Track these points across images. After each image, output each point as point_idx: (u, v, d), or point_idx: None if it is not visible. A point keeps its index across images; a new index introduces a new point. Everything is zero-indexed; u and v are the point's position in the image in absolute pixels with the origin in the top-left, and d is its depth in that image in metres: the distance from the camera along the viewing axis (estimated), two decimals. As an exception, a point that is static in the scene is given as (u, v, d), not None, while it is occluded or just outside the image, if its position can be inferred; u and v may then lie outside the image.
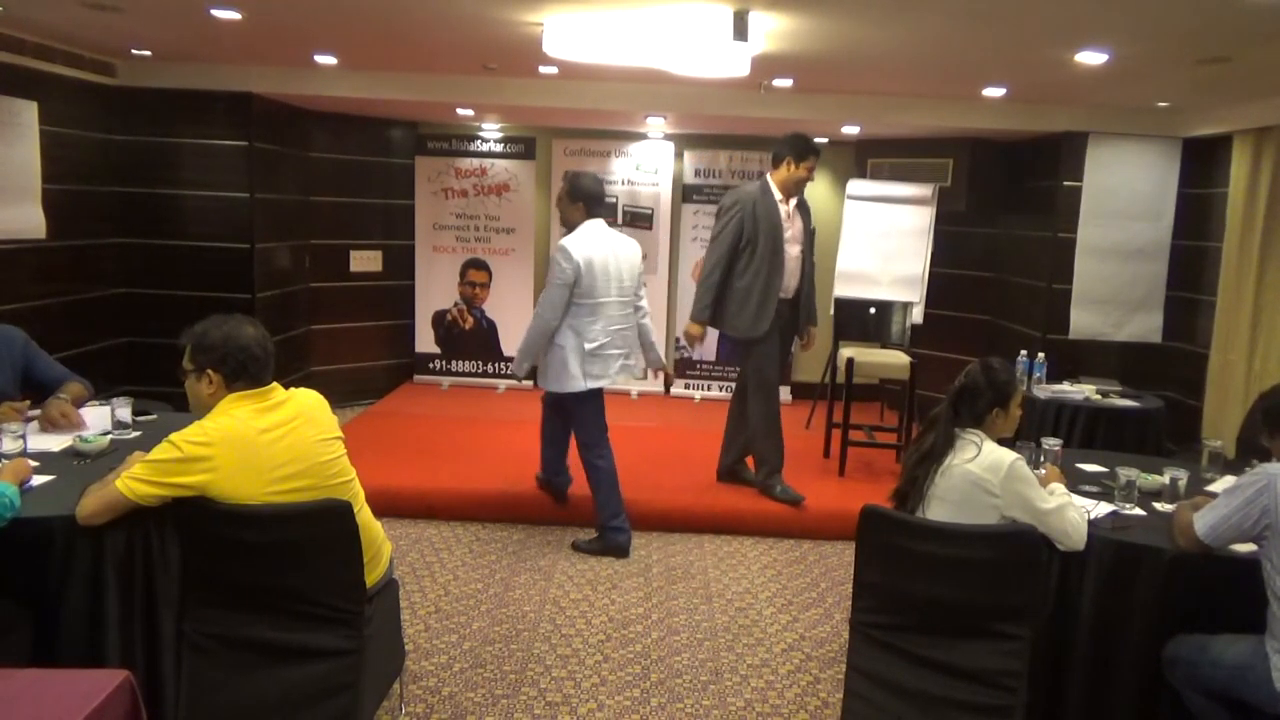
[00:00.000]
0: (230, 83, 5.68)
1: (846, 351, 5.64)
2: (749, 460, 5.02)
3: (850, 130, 6.50)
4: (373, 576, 2.48)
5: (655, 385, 7.43)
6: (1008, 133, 6.14)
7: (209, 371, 2.39)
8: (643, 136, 7.30)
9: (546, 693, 3.17)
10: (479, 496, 4.80)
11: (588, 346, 4.19)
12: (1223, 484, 3.04)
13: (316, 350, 6.94)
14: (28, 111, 4.84)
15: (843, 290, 6.38)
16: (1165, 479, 3.03)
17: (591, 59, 4.20)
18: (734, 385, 7.31)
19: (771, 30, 3.92)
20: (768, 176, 4.75)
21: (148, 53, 5.34)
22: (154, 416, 3.34)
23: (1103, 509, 2.87)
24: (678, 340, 7.43)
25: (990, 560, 2.45)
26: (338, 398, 6.13)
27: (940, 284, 6.69)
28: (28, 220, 4.90)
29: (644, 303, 4.48)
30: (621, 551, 4.36)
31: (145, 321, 5.84)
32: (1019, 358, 4.92)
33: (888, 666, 2.53)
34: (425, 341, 7.44)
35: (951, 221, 6.60)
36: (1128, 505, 2.90)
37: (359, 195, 7.04)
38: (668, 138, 7.33)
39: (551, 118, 6.87)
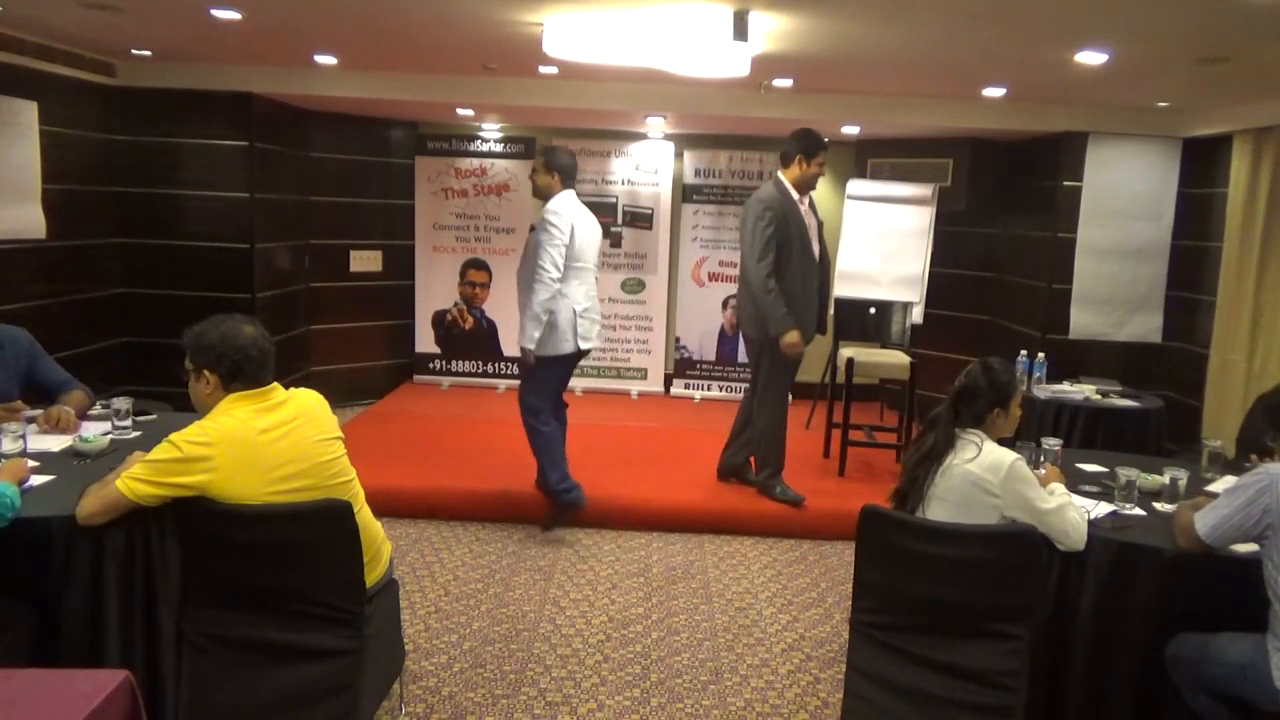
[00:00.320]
0: (230, 83, 5.68)
1: (846, 351, 5.64)
2: (753, 460, 5.01)
3: (850, 130, 6.50)
4: (373, 576, 2.48)
5: (655, 385, 7.44)
6: (1008, 133, 6.14)
7: (206, 372, 2.39)
8: (643, 136, 7.30)
9: (546, 693, 3.17)
10: (479, 496, 4.79)
11: (577, 308, 4.36)
12: (1223, 484, 3.04)
13: (316, 350, 6.94)
14: (28, 111, 4.84)
15: (843, 290, 6.37)
16: (1165, 479, 3.03)
17: (591, 59, 4.20)
18: (733, 384, 7.41)
19: (771, 30, 3.92)
20: (779, 176, 4.70)
21: (148, 53, 5.34)
22: (154, 416, 3.35)
23: (1103, 509, 2.86)
24: (678, 340, 7.43)
25: (990, 560, 2.45)
26: (338, 398, 6.13)
27: (940, 284, 6.69)
28: (28, 220, 4.90)
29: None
30: (579, 506, 4.51)
31: (145, 321, 5.83)
32: (1019, 358, 4.92)
33: (888, 666, 2.53)
34: (425, 341, 7.44)
35: (951, 221, 6.60)
36: (1128, 505, 2.90)
37: (359, 195, 7.04)
38: (668, 138, 7.33)
39: (551, 118, 6.87)
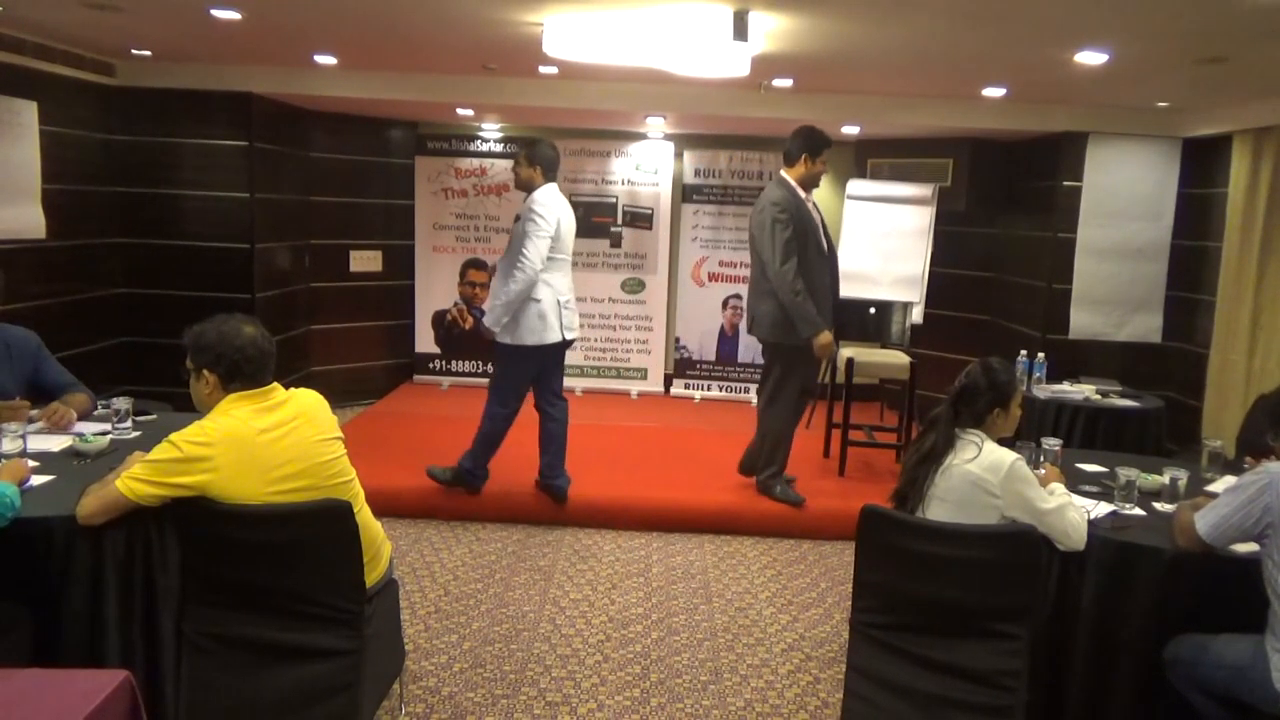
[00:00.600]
0: (230, 83, 5.68)
1: (846, 351, 5.64)
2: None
3: (850, 130, 6.50)
4: (373, 576, 2.48)
5: (655, 385, 7.44)
6: (1008, 133, 6.14)
7: (205, 372, 2.39)
8: (643, 136, 7.30)
9: (546, 693, 3.17)
10: (479, 496, 4.79)
11: (561, 299, 4.45)
12: (1223, 484, 3.04)
13: (316, 350, 6.94)
14: (28, 111, 4.84)
15: (843, 290, 6.32)
16: (1165, 479, 3.03)
17: (591, 59, 4.20)
18: (733, 384, 7.41)
19: (771, 30, 3.92)
20: (784, 175, 4.68)
21: (148, 53, 5.34)
22: (154, 416, 3.35)
23: (1103, 509, 2.87)
24: (678, 340, 7.43)
25: (990, 560, 2.45)
26: (338, 398, 6.12)
27: (940, 284, 6.69)
28: (28, 220, 4.90)
29: None
30: (473, 492, 4.74)
31: (145, 321, 5.84)
32: (1019, 358, 4.91)
33: (888, 666, 2.53)
34: (425, 341, 7.44)
35: (951, 221, 6.60)
36: (1128, 505, 2.90)
37: (359, 195, 7.04)
38: (668, 138, 7.33)
39: (551, 118, 6.86)
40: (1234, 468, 3.37)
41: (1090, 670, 2.68)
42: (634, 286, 7.37)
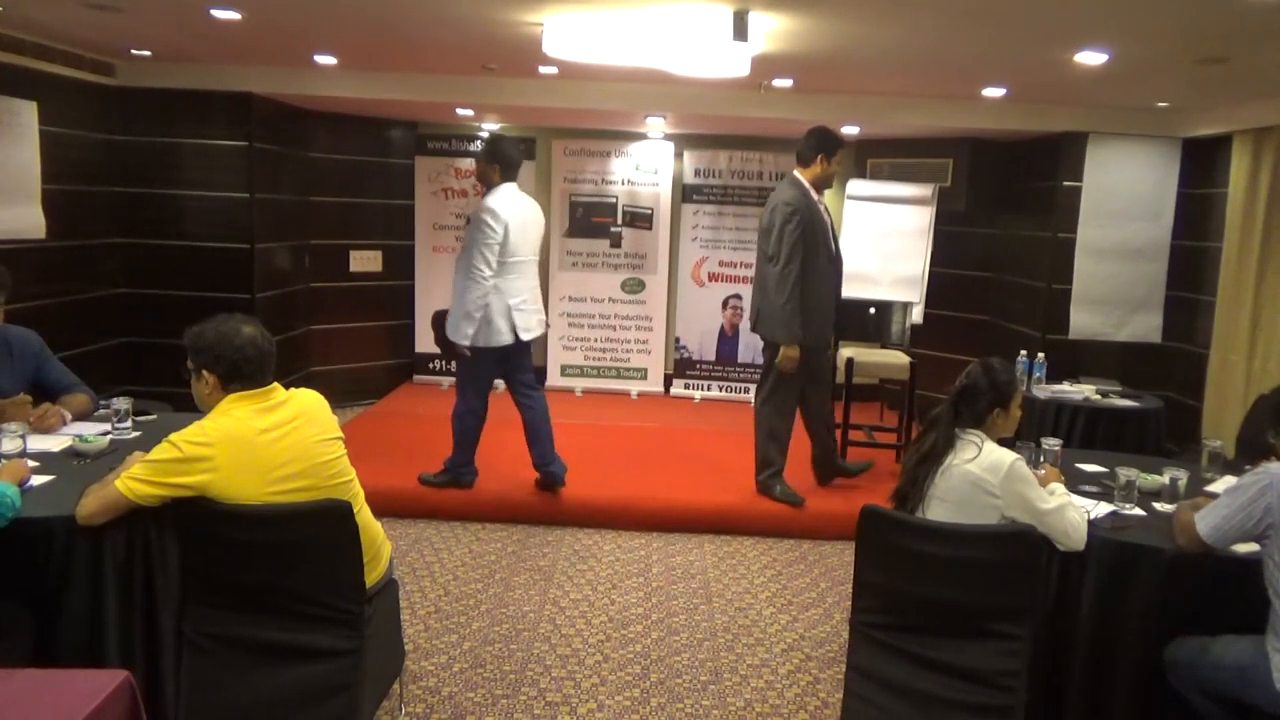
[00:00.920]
0: (230, 83, 5.68)
1: (846, 351, 5.64)
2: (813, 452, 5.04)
3: (850, 130, 6.49)
4: (373, 577, 2.48)
5: (655, 385, 7.44)
6: (1008, 133, 6.14)
7: (205, 372, 2.39)
8: (643, 136, 7.30)
9: (546, 693, 3.17)
10: (479, 496, 4.80)
11: (512, 302, 4.47)
12: (1223, 484, 3.04)
13: (316, 350, 6.94)
14: (27, 111, 4.84)
15: (843, 290, 6.37)
16: (1165, 479, 3.03)
17: (591, 59, 4.20)
18: (733, 384, 7.40)
19: (771, 30, 3.92)
20: (797, 176, 4.67)
21: (148, 53, 5.34)
22: (154, 416, 3.35)
23: (1103, 509, 2.87)
24: (678, 340, 7.43)
25: (990, 560, 2.45)
26: (338, 398, 6.12)
27: (940, 284, 6.69)
28: (27, 220, 4.90)
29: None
30: (468, 486, 4.79)
31: (145, 321, 5.83)
32: (1019, 358, 4.91)
33: (888, 666, 2.52)
34: (425, 341, 7.44)
35: (951, 221, 6.60)
36: (1128, 505, 2.90)
37: (359, 195, 7.04)
38: (668, 138, 7.33)
39: (551, 118, 6.87)
40: (1234, 468, 3.37)
41: (1090, 670, 2.68)
42: (634, 286, 7.36)
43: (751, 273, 7.15)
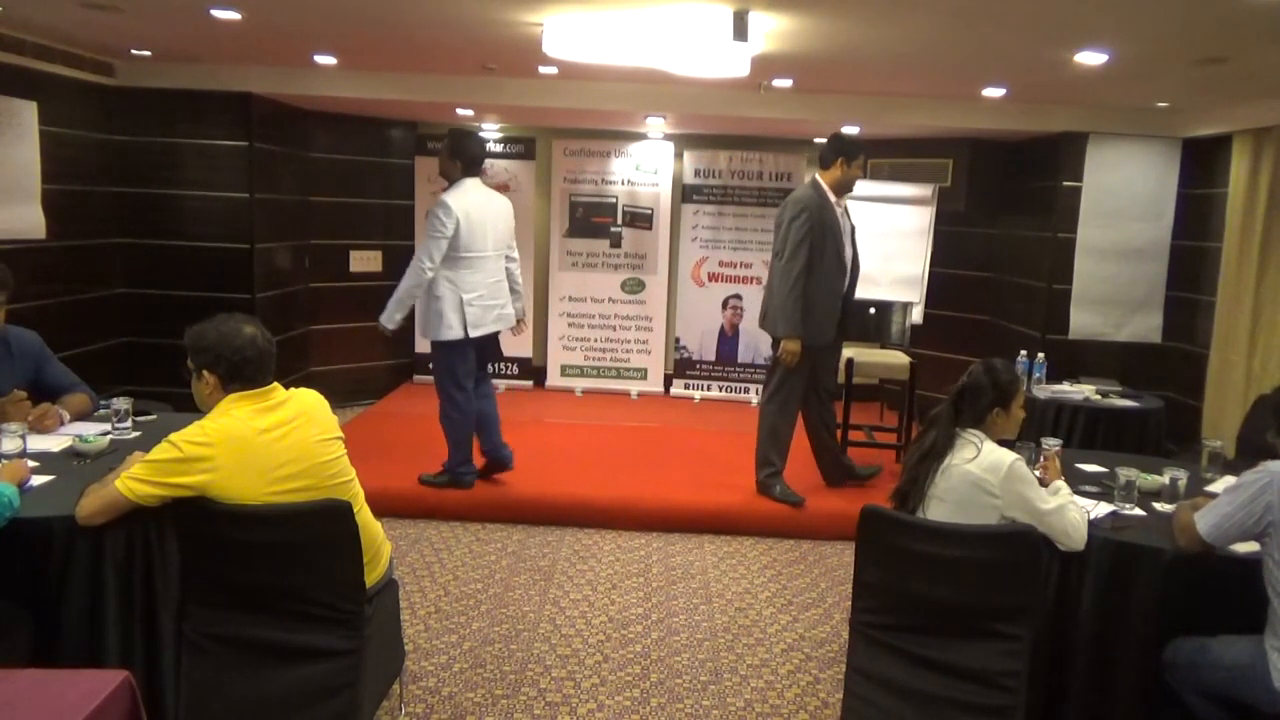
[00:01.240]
0: (230, 83, 5.68)
1: (846, 352, 5.63)
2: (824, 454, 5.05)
3: (850, 130, 6.49)
4: (373, 576, 2.48)
5: (655, 385, 7.44)
6: (1008, 133, 6.14)
7: (205, 372, 2.39)
8: (643, 136, 7.30)
9: (546, 693, 3.17)
10: (479, 496, 4.79)
11: (466, 297, 4.48)
12: (1223, 484, 3.04)
13: (316, 350, 6.94)
14: (27, 111, 4.84)
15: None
16: (1165, 479, 3.03)
17: (591, 59, 4.20)
18: (733, 384, 7.40)
19: (771, 30, 3.92)
20: (817, 178, 4.70)
21: (147, 53, 5.34)
22: (154, 416, 3.35)
23: (1103, 509, 2.87)
24: (678, 340, 7.43)
25: (990, 560, 2.45)
26: (338, 398, 6.12)
27: (940, 284, 6.69)
28: (28, 220, 4.90)
29: (514, 253, 4.80)
30: (469, 486, 4.78)
31: (145, 321, 5.84)
32: (1019, 358, 4.92)
33: (888, 666, 2.52)
34: (425, 342, 7.38)
35: (951, 221, 6.60)
36: (1128, 505, 2.90)
37: (359, 195, 7.05)
38: (668, 138, 7.33)
39: (551, 118, 6.87)
40: (1234, 468, 3.37)
41: (1090, 670, 2.68)
42: (634, 286, 7.37)
43: (751, 273, 7.22)
